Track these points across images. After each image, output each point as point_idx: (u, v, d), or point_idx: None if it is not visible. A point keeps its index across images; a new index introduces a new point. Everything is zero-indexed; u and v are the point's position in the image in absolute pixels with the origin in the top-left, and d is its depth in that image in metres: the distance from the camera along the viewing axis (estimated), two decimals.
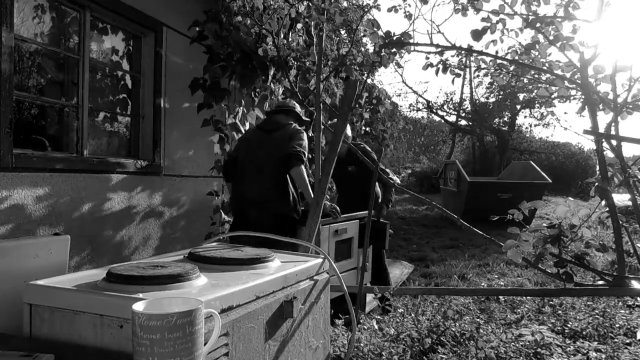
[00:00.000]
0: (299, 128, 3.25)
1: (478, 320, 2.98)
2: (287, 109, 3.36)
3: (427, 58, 3.47)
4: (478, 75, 18.96)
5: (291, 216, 3.12)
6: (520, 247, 2.68)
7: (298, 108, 3.46)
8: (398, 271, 5.44)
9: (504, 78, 3.75)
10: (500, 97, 19.18)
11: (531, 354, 2.67)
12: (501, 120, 20.66)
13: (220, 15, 3.49)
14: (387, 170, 4.30)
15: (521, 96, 18.40)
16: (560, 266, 2.73)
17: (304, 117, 3.49)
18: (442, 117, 21.75)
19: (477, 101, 20.76)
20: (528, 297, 3.88)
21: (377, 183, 3.50)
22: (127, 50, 3.60)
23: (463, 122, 21.51)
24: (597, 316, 3.37)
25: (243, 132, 3.77)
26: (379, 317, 3.38)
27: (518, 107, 19.68)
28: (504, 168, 15.08)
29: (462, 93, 21.33)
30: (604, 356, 2.72)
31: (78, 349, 1.10)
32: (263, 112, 4.05)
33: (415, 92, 26.24)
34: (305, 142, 3.15)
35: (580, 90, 3.06)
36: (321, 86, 3.36)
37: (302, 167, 3.05)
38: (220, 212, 3.61)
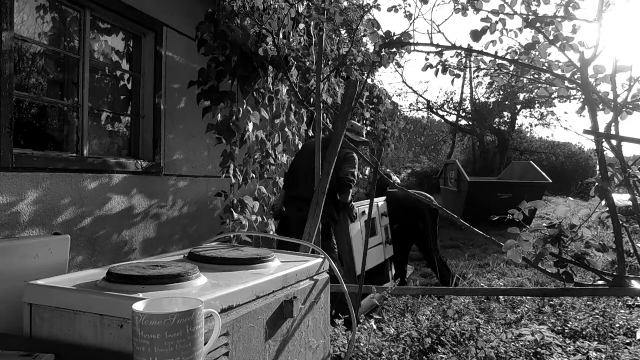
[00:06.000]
0: (349, 151, 3.60)
1: (478, 320, 2.98)
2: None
3: (427, 59, 3.47)
4: (478, 75, 18.98)
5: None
6: (520, 247, 2.67)
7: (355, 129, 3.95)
8: None
9: (504, 78, 3.75)
10: (500, 97, 19.18)
11: (531, 354, 2.67)
12: (501, 120, 20.65)
13: (219, 16, 3.49)
14: (388, 171, 4.43)
15: (521, 96, 18.40)
16: (560, 266, 2.73)
17: (356, 139, 3.90)
18: (442, 117, 21.75)
19: (477, 101, 20.75)
20: (528, 297, 3.88)
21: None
22: (127, 50, 3.60)
23: (463, 122, 21.51)
24: (597, 316, 3.37)
25: (244, 132, 3.76)
26: (378, 316, 3.38)
27: (518, 107, 19.68)
28: (504, 168, 15.08)
29: (462, 93, 21.34)
30: (603, 356, 2.72)
31: (78, 349, 1.10)
32: (268, 113, 4.04)
33: (415, 91, 26.40)
34: (355, 169, 3.60)
35: (580, 90, 3.06)
36: (321, 86, 3.36)
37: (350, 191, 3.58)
38: (232, 211, 3.60)
